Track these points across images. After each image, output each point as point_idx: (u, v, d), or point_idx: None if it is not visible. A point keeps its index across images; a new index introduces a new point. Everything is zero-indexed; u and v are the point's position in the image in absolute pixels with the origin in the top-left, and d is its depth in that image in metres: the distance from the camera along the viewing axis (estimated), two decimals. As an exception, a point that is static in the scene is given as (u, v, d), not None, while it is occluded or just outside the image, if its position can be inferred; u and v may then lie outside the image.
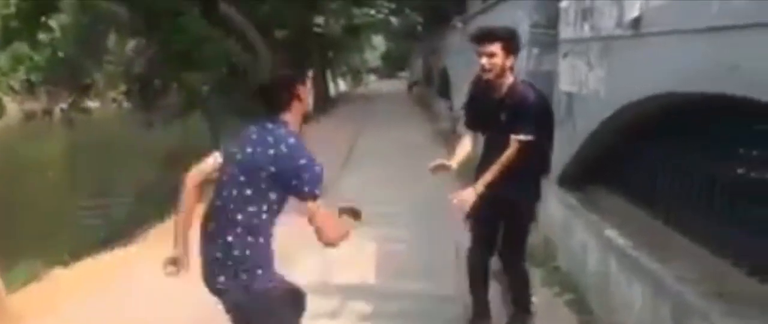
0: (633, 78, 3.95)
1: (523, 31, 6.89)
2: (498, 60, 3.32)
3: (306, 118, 2.77)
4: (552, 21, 6.17)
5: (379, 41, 44.17)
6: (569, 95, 5.24)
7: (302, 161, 2.37)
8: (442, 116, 15.38)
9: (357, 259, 5.28)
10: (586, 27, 4.84)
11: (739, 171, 3.13)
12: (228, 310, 2.49)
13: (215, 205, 2.45)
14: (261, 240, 2.41)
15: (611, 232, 3.98)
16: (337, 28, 22.40)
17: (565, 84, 5.41)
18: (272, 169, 2.35)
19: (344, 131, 13.66)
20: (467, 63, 11.53)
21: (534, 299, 4.04)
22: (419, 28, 27.69)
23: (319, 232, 2.40)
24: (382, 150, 11.35)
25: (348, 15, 24.08)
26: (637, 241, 3.70)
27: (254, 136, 2.44)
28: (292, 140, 2.41)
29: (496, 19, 8.46)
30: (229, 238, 2.39)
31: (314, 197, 2.37)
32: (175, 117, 17.60)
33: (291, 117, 2.50)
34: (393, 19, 30.79)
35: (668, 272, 3.18)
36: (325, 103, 22.65)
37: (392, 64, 48.36)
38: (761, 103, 2.58)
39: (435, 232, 6.09)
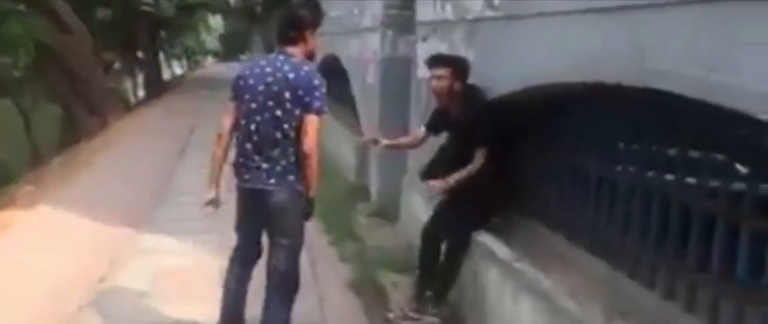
0: (506, 66, 3.54)
1: (375, 11, 6.38)
2: (445, 83, 3.62)
3: (309, 57, 3.11)
4: (407, 1, 5.69)
5: (217, 22, 41.89)
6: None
7: (315, 82, 2.96)
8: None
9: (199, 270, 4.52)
10: (449, 7, 4.38)
11: (633, 173, 2.81)
12: (264, 206, 3.02)
13: (249, 129, 2.99)
14: (292, 149, 2.97)
15: (488, 239, 3.57)
16: (167, 6, 20.58)
17: (424, 71, 4.94)
18: (297, 91, 2.91)
19: (178, 121, 12.35)
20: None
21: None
22: (259, 8, 26.42)
23: (307, 137, 2.94)
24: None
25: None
26: (520, 251, 3.31)
27: (269, 69, 2.98)
28: (306, 67, 3.00)
29: (344, -1, 7.87)
30: (272, 152, 2.96)
31: (318, 113, 2.97)
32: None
33: (297, 52, 3.04)
34: (231, -1, 29.20)
35: (560, 288, 2.79)
36: (157, 89, 20.80)
37: (232, 46, 46.20)
38: (660, 94, 2.22)
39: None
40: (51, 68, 13.53)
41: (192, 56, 42.74)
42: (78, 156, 10.11)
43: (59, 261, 4.73)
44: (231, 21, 39.93)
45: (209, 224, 5.59)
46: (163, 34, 25.22)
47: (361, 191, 6.74)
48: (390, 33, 6.00)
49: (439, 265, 3.86)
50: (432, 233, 3.89)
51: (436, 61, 3.76)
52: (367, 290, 4.19)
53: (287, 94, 2.91)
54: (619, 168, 2.90)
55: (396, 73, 5.86)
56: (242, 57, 41.53)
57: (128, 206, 6.34)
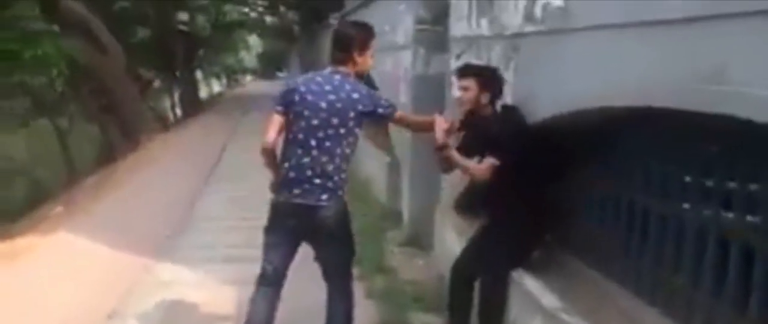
0: (550, 86, 3.13)
1: (407, 28, 6.06)
2: (471, 94, 3.36)
3: (359, 76, 3.15)
4: (440, 16, 5.34)
5: (255, 41, 42.31)
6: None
7: (375, 95, 3.12)
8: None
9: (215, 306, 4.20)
10: (484, 22, 4.01)
11: (705, 214, 2.37)
12: (315, 223, 3.03)
13: (309, 144, 2.98)
14: (345, 167, 3.05)
15: (528, 280, 3.16)
16: (203, 25, 20.69)
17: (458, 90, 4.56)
18: (360, 108, 3.00)
19: (210, 141, 12.21)
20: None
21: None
22: (296, 27, 26.46)
23: (413, 122, 3.50)
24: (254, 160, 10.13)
25: (217, 12, 22.37)
26: (567, 298, 2.88)
27: (328, 87, 3.00)
28: (360, 86, 3.07)
29: (375, 15, 7.56)
30: (330, 168, 2.99)
31: (395, 110, 3.18)
32: (21, 124, 15.39)
33: (349, 69, 3.06)
34: (268, 18, 29.31)
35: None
36: (194, 107, 20.87)
37: (269, 64, 46.58)
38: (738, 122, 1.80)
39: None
40: (86, 88, 13.60)
41: (231, 74, 43.13)
42: (109, 177, 10.02)
43: (70, 293, 4.48)
44: (269, 40, 40.27)
45: (232, 252, 5.44)
46: (201, 52, 25.38)
47: (392, 216, 6.37)
48: (422, 50, 5.65)
49: (472, 307, 3.47)
50: (463, 269, 3.51)
51: (463, 71, 3.49)
52: (396, 333, 3.80)
53: (352, 114, 2.97)
54: (688, 207, 2.46)
55: (429, 91, 5.50)
56: (280, 74, 41.83)
57: (151, 232, 6.10)
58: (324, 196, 2.99)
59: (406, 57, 6.07)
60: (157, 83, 25.22)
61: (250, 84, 44.72)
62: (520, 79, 3.47)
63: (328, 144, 2.97)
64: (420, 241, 5.57)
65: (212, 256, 5.35)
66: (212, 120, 17.22)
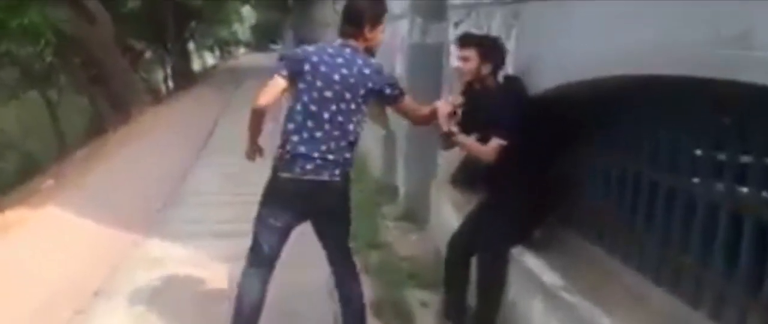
0: (556, 55, 2.99)
1: (403, -4, 5.87)
2: (472, 65, 3.22)
3: (369, 52, 2.98)
4: (438, -16, 5.16)
5: (249, 13, 41.64)
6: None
7: (385, 72, 2.98)
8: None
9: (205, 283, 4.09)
10: (485, -12, 3.84)
11: (719, 189, 2.25)
12: (324, 200, 2.92)
13: (322, 117, 2.84)
14: (353, 145, 2.93)
15: (529, 258, 3.05)
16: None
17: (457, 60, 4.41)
18: (370, 85, 2.88)
19: (202, 114, 12.02)
20: (337, 36, 10.47)
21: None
22: (290, -1, 26.07)
23: (420, 111, 3.14)
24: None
25: (210, -17, 21.96)
26: (569, 276, 2.77)
27: (340, 59, 2.86)
28: (372, 61, 2.93)
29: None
30: (342, 143, 2.87)
31: (403, 95, 3.02)
32: (12, 96, 15.13)
33: (358, 44, 2.91)
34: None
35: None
36: (186, 80, 20.57)
37: (264, 37, 45.93)
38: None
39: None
40: (75, 59, 13.34)
41: (224, 47, 42.56)
42: (99, 150, 9.85)
43: (56, 269, 4.35)
44: (263, 12, 39.68)
45: (224, 227, 5.33)
46: (193, 24, 24.96)
47: (387, 191, 6.25)
48: (419, 19, 5.48)
49: (469, 284, 3.37)
50: (460, 245, 3.41)
51: (463, 40, 3.33)
52: (391, 311, 3.69)
53: (362, 90, 2.87)
54: (700, 181, 2.33)
55: (426, 61, 5.34)
56: (274, 47, 41.30)
57: (141, 207, 5.97)
58: (337, 172, 2.88)
59: (403, 26, 5.90)
60: (148, 55, 24.95)
61: (244, 56, 44.16)
62: (522, 48, 3.33)
63: (340, 119, 2.85)
64: (416, 215, 5.46)
65: (203, 231, 5.23)
66: (205, 93, 16.98)
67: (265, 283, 3.00)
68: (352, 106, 2.87)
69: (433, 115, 3.11)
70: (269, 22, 41.07)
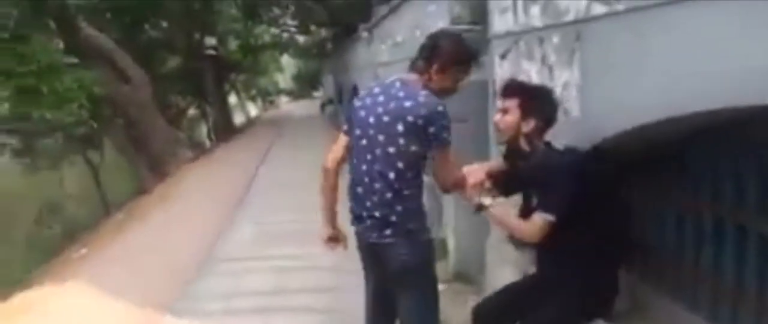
0: (630, 88, 2.35)
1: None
2: (510, 119, 2.59)
3: (446, 94, 2.57)
4: (478, 12, 4.59)
5: (289, 61, 42.12)
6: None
7: (439, 109, 2.45)
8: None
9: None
10: (535, 10, 3.24)
11: None
12: (385, 264, 2.59)
13: (360, 170, 2.58)
14: (410, 193, 2.53)
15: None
16: (234, 50, 20.33)
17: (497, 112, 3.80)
18: (410, 119, 2.42)
19: (239, 169, 11.63)
20: (375, 77, 10.03)
21: None
22: (329, 44, 25.96)
23: (440, 175, 2.55)
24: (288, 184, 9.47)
25: (247, 35, 22.01)
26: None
27: (381, 98, 2.54)
28: (424, 92, 2.48)
29: (404, 20, 6.87)
30: (387, 196, 2.51)
31: (447, 147, 2.48)
32: (55, 162, 15.22)
33: (424, 82, 2.54)
34: (300, 38, 28.92)
35: None
36: (226, 133, 20.47)
37: (305, 84, 46.29)
38: None
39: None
40: (115, 121, 13.26)
41: (267, 97, 43.04)
42: (136, 211, 9.53)
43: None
44: (302, 59, 40.00)
45: (259, 302, 4.77)
46: (233, 77, 25.11)
47: (436, 245, 5.59)
48: (460, 54, 4.89)
49: None
50: (491, 316, 2.75)
51: (504, 88, 2.71)
52: None
53: (400, 126, 2.46)
54: None
55: (468, 103, 4.72)
56: (315, 93, 41.47)
57: (168, 278, 5.46)
58: (387, 232, 2.54)
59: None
60: (192, 111, 25.14)
61: (286, 105, 44.54)
62: (586, 80, 2.69)
63: (377, 168, 2.52)
64: (469, 275, 4.80)
65: (231, 308, 4.67)
66: (244, 144, 16.71)
67: None
68: (390, 150, 2.48)
69: (461, 183, 2.62)
70: (310, 69, 41.33)
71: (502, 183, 2.71)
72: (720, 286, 2.20)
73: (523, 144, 2.57)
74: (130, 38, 14.57)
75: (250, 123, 28.38)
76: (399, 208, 2.52)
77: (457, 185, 2.63)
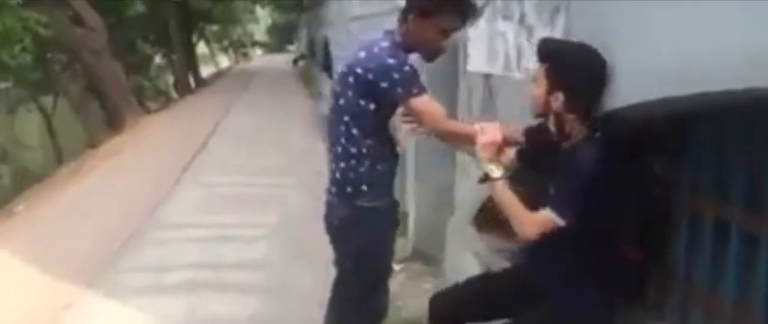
0: (627, 55, 1.84)
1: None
2: (539, 92, 1.97)
3: (428, 51, 2.30)
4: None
5: (265, 12, 40.85)
6: (487, 78, 3.14)
7: (389, 62, 2.19)
8: (325, 97, 13.14)
9: None
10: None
11: None
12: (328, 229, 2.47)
13: (330, 130, 2.41)
14: (356, 153, 2.33)
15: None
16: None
17: (477, 62, 3.29)
18: (358, 72, 2.22)
19: (200, 121, 11.02)
20: (347, 33, 9.46)
21: None
22: (305, -5, 25.06)
23: (438, 127, 2.30)
24: (246, 144, 8.92)
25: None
26: None
27: (355, 55, 2.28)
28: (384, 43, 2.23)
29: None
30: (344, 157, 2.35)
31: (413, 94, 2.22)
32: (10, 109, 14.40)
33: (402, 34, 2.26)
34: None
35: None
36: (189, 86, 19.67)
37: (280, 37, 45.05)
38: None
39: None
40: (71, 66, 12.46)
41: (239, 48, 41.81)
42: (79, 168, 8.89)
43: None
44: (279, 12, 38.83)
45: (184, 276, 4.31)
46: (202, 26, 24.07)
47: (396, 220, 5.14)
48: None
49: None
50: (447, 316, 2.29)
51: (538, 50, 2.03)
52: None
53: (351, 79, 2.25)
54: None
55: (434, 73, 4.21)
56: (290, 47, 40.39)
57: (95, 248, 4.91)
58: (332, 190, 2.41)
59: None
60: (158, 59, 24.14)
61: (259, 58, 43.43)
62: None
63: (341, 128, 2.33)
64: (429, 256, 4.36)
65: (158, 285, 4.17)
66: (207, 98, 15.97)
67: None
68: (341, 102, 2.29)
69: (467, 140, 2.17)
70: (286, 22, 40.18)
71: (525, 152, 2.17)
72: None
73: (552, 126, 1.97)
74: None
75: (219, 75, 27.44)
76: (342, 164, 2.34)
77: (463, 139, 2.25)
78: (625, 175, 1.93)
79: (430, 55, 2.36)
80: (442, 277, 3.96)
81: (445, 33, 2.27)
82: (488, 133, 2.09)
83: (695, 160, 1.96)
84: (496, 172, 1.99)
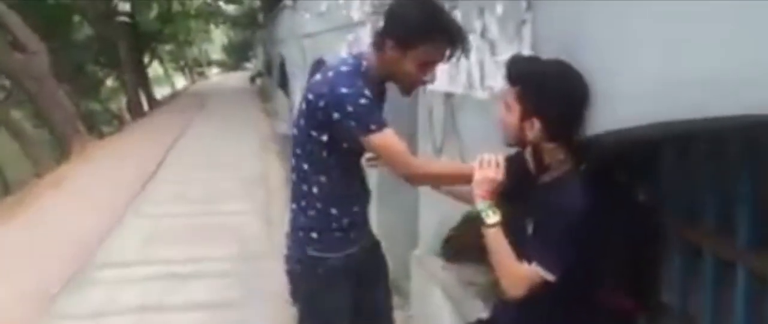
0: (603, 74, 1.61)
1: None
2: (510, 120, 1.67)
3: (407, 84, 1.99)
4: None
5: (220, 32, 40.27)
6: (449, 98, 2.90)
7: (341, 90, 1.89)
8: (281, 115, 12.82)
9: None
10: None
11: None
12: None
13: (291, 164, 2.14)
14: (308, 189, 2.06)
15: None
16: (150, 18, 18.72)
17: (436, 82, 3.05)
18: (321, 104, 1.92)
19: (152, 144, 10.58)
20: (301, 50, 9.19)
21: None
22: (260, 14, 24.66)
23: (406, 168, 1.93)
24: (198, 171, 8.52)
25: (168, 4, 20.42)
26: None
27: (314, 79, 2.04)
28: (343, 68, 1.98)
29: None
30: (300, 196, 2.10)
31: (371, 130, 1.87)
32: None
33: (373, 63, 1.99)
34: (230, 7, 27.41)
35: None
36: (142, 108, 19.06)
37: (237, 55, 44.45)
38: None
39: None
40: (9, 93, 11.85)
41: (195, 68, 41.09)
42: (25, 198, 8.35)
43: None
44: (234, 30, 38.30)
45: (131, 321, 3.92)
46: (154, 47, 23.44)
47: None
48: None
49: None
50: None
51: (507, 70, 1.72)
52: None
53: (303, 105, 2.00)
54: None
55: (391, 98, 3.95)
56: (247, 65, 39.82)
57: (33, 290, 4.51)
58: (288, 233, 2.16)
59: (365, 36, 4.55)
60: (110, 82, 23.42)
61: (216, 77, 42.72)
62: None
63: (295, 163, 2.07)
64: (397, 283, 4.08)
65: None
66: (161, 121, 15.43)
67: None
68: (294, 131, 2.06)
69: (460, 178, 1.85)
70: (242, 41, 39.66)
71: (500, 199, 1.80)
72: None
73: (529, 156, 1.72)
74: (28, 3, 13.02)
75: (175, 96, 26.78)
76: (293, 205, 2.11)
77: (440, 179, 2.04)
78: (612, 208, 1.70)
79: (408, 88, 2.03)
80: (410, 308, 3.72)
81: (429, 65, 1.95)
82: (486, 167, 1.72)
83: (688, 187, 1.75)
84: (492, 217, 1.66)
